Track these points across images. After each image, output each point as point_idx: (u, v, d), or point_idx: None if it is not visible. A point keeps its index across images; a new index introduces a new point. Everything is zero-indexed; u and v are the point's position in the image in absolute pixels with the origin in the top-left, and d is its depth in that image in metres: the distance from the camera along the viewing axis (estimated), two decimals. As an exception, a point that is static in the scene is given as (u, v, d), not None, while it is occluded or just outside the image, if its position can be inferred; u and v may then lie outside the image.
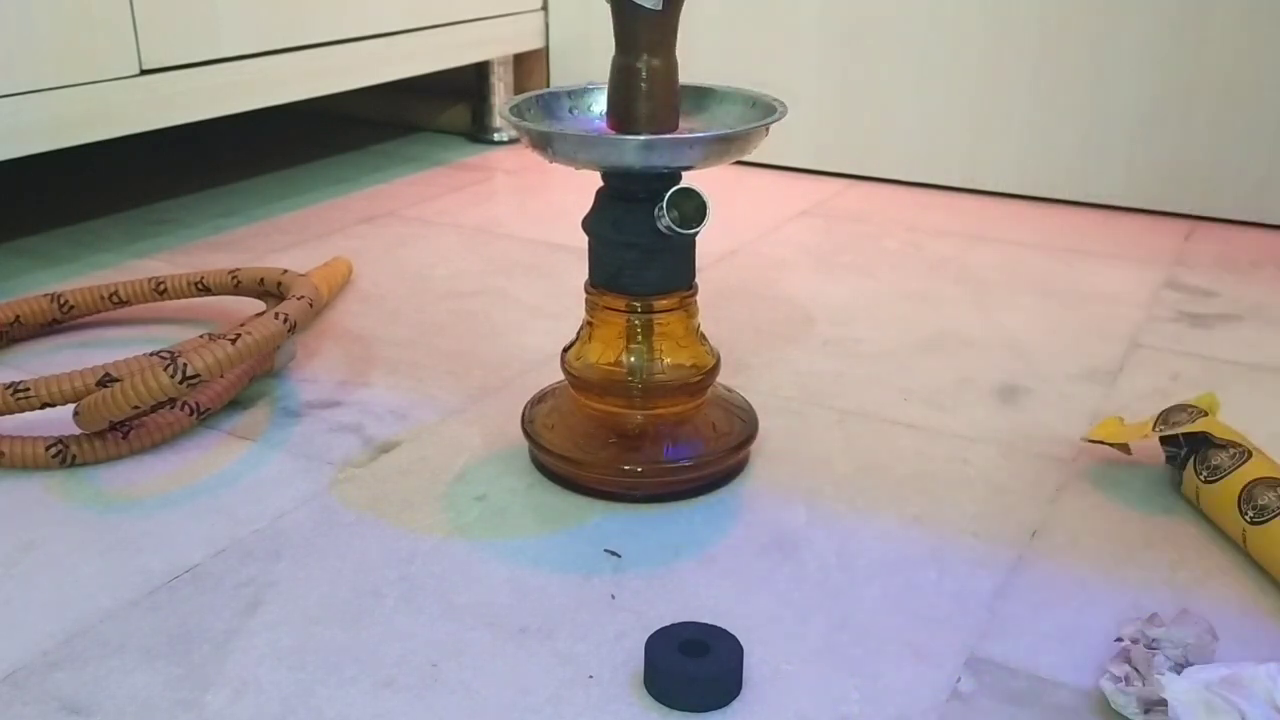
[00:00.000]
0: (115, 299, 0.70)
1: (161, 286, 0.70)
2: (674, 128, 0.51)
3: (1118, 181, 1.00)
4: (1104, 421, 0.57)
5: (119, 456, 0.56)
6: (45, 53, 0.74)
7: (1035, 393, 0.64)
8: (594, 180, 0.51)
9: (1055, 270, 0.85)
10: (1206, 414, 0.52)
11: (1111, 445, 0.55)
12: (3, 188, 1.00)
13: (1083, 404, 0.63)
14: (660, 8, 0.48)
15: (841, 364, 0.68)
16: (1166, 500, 0.53)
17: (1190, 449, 0.52)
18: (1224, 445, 0.50)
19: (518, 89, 1.26)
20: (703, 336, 0.55)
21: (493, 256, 0.87)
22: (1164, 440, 0.53)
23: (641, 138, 0.48)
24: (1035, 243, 0.92)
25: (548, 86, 1.25)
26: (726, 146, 0.49)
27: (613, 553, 0.48)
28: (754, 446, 0.56)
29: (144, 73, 0.81)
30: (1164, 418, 0.53)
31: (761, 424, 0.57)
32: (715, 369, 0.55)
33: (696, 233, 0.50)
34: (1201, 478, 0.50)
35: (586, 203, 0.52)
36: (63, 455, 0.54)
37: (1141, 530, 0.50)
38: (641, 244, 0.51)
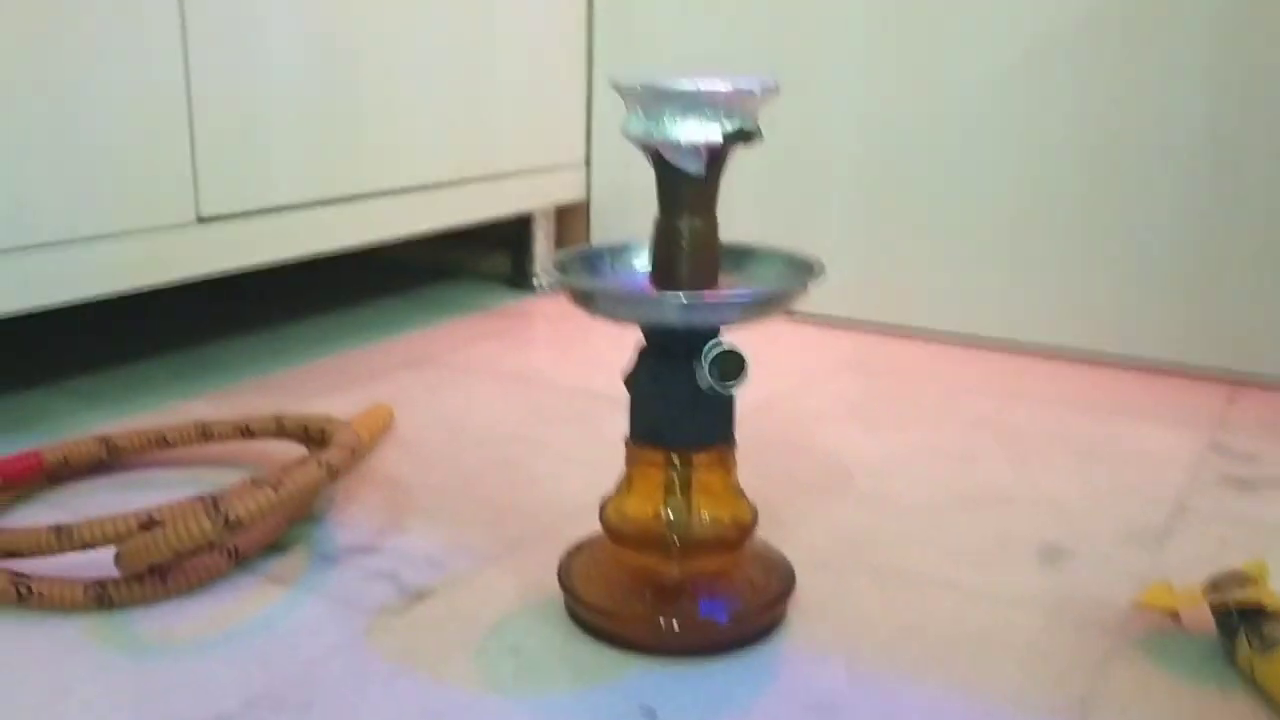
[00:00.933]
0: (162, 442, 0.71)
1: (207, 430, 0.71)
2: (714, 286, 0.52)
3: (1157, 340, 1.00)
4: (1152, 587, 0.56)
5: (157, 600, 0.56)
6: (107, 200, 0.78)
7: (1079, 555, 0.63)
8: (632, 329, 0.52)
9: (1095, 429, 0.85)
10: (1256, 581, 0.51)
11: (1161, 611, 0.54)
12: (57, 329, 1.03)
13: (1128, 568, 0.62)
14: (702, 173, 0.50)
15: (879, 520, 0.67)
16: (1219, 671, 0.51)
17: (1242, 618, 0.51)
18: (1277, 615, 0.49)
19: (559, 238, 1.30)
20: (741, 491, 0.55)
21: (531, 404, 0.88)
22: (1215, 608, 0.52)
23: (682, 297, 0.50)
24: (1074, 401, 0.91)
25: (588, 236, 1.29)
26: (766, 306, 0.50)
27: (649, 710, 0.47)
28: (791, 602, 0.55)
29: (200, 220, 0.85)
30: (1214, 585, 0.52)
31: (798, 580, 0.56)
32: (753, 524, 0.54)
33: (736, 389, 0.50)
34: (1255, 649, 0.49)
35: (625, 352, 0.53)
36: (101, 598, 0.54)
37: (1194, 704, 0.49)
38: (681, 399, 0.51)
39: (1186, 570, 0.61)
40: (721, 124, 0.48)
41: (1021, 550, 0.64)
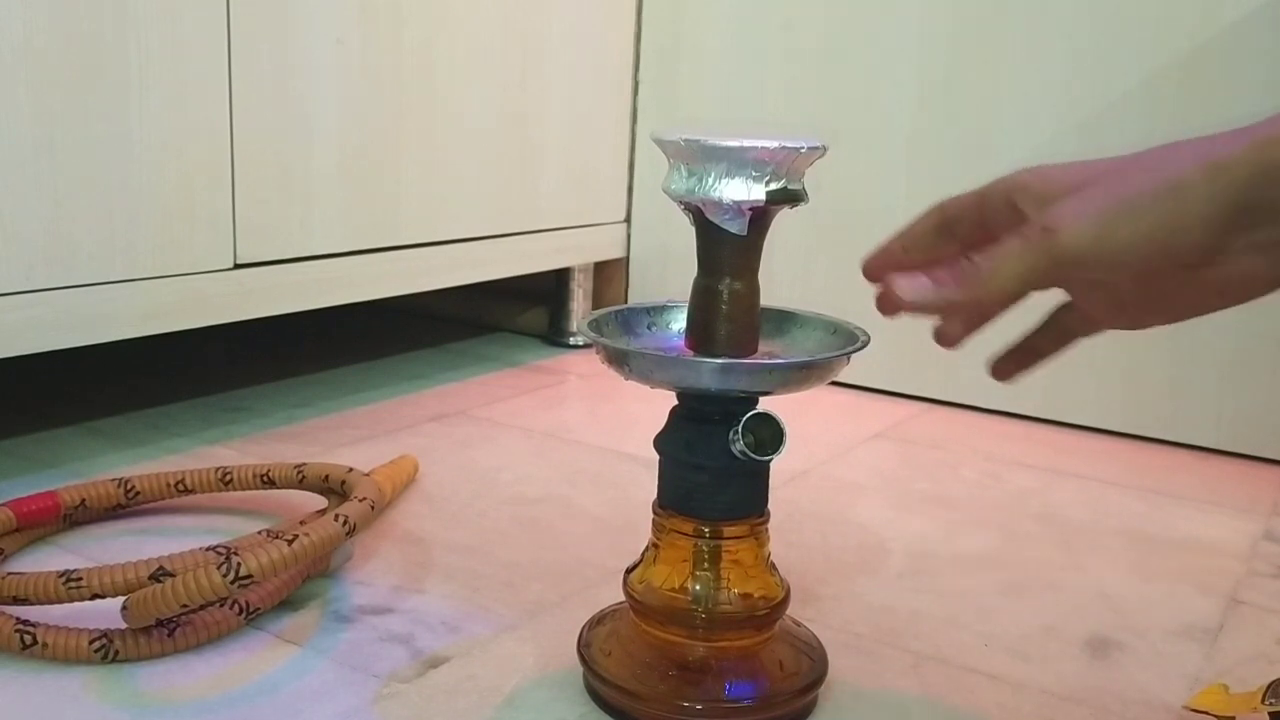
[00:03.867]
0: (181, 487, 0.69)
1: (228, 477, 0.70)
2: (753, 351, 0.50)
3: (1208, 423, 0.97)
4: (1207, 689, 0.52)
5: (163, 654, 0.54)
6: (144, 244, 0.77)
7: (1128, 648, 0.60)
8: (667, 391, 0.50)
9: (1144, 513, 0.81)
10: (1322, 688, 0.48)
11: (1215, 717, 0.51)
12: (86, 369, 1.02)
13: (1181, 664, 0.58)
14: (744, 233, 0.48)
15: (917, 601, 0.64)
16: (1280, 784, 0.48)
17: (1306, 727, 0.47)
18: (1345, 727, 0.46)
19: (597, 295, 1.29)
20: (773, 566, 0.52)
21: (560, 463, 0.86)
22: (1275, 717, 0.49)
23: (719, 361, 0.48)
24: (1121, 481, 0.88)
25: (627, 294, 1.27)
26: (806, 374, 0.48)
27: (666, 801, 0.45)
28: (824, 686, 0.53)
29: (237, 266, 0.84)
30: (1274, 689, 0.49)
31: (831, 662, 0.53)
32: (785, 602, 0.52)
33: (772, 459, 0.48)
34: (1321, 762, 0.45)
35: (658, 413, 0.51)
36: (105, 650, 0.52)
37: (1254, 818, 0.45)
38: (714, 467, 0.49)
39: (1241, 669, 0.58)
40: (766, 183, 0.47)
41: (1068, 641, 0.60)
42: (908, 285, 0.43)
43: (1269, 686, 0.50)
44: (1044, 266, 0.41)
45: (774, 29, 1.13)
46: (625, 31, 1.21)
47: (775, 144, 0.46)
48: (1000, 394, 1.05)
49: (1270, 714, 0.49)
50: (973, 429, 1.01)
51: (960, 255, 0.44)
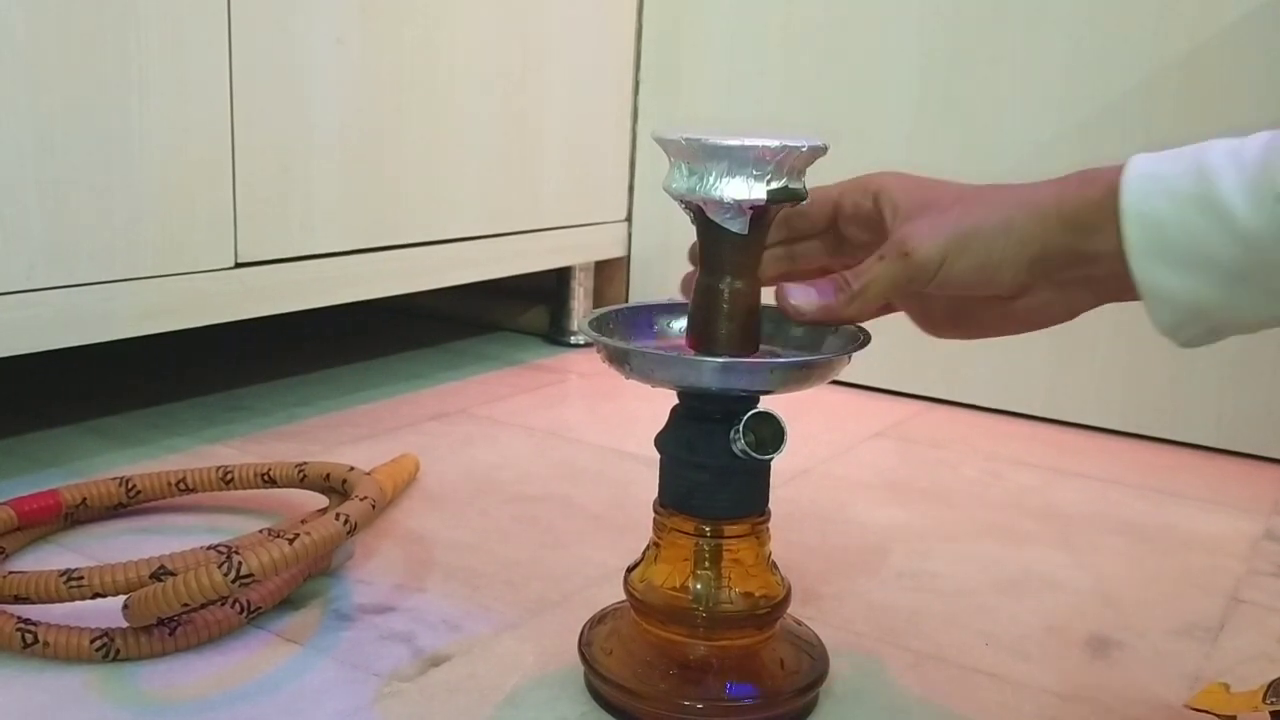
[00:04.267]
0: (182, 486, 0.69)
1: (229, 476, 0.70)
2: (754, 350, 0.50)
3: (1208, 422, 0.96)
4: (1208, 688, 0.52)
5: (164, 653, 0.54)
6: (144, 243, 0.77)
7: (1129, 647, 0.60)
8: (668, 390, 0.50)
9: (1145, 511, 0.81)
10: (1323, 687, 0.48)
11: (1216, 716, 0.51)
12: (87, 368, 1.02)
13: (1181, 664, 0.58)
14: (746, 232, 0.48)
15: (918, 600, 0.64)
16: (1281, 783, 0.48)
17: (1307, 726, 0.47)
18: (1346, 726, 0.46)
19: (598, 294, 1.29)
20: (774, 565, 0.52)
21: (561, 461, 0.86)
22: (1276, 716, 0.49)
23: (720, 360, 0.48)
24: (1122, 480, 0.88)
25: (628, 293, 1.27)
26: (807, 373, 0.48)
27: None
28: (825, 685, 0.53)
29: (238, 265, 0.84)
30: (1275, 688, 0.49)
31: (832, 661, 0.53)
32: (785, 601, 0.52)
33: (773, 458, 0.48)
34: (1322, 761, 0.45)
35: (659, 411, 0.51)
36: (107, 649, 0.52)
37: (1255, 817, 0.45)
38: (715, 466, 0.49)
39: (1242, 668, 0.58)
40: (767, 182, 0.46)
41: (1069, 639, 0.60)
42: (800, 296, 0.48)
43: (1270, 685, 0.49)
44: (902, 281, 0.47)
45: (774, 28, 1.13)
46: (626, 31, 1.21)
47: (776, 143, 0.46)
48: (1001, 393, 1.05)
49: (1271, 713, 0.49)
50: (973, 428, 1.01)
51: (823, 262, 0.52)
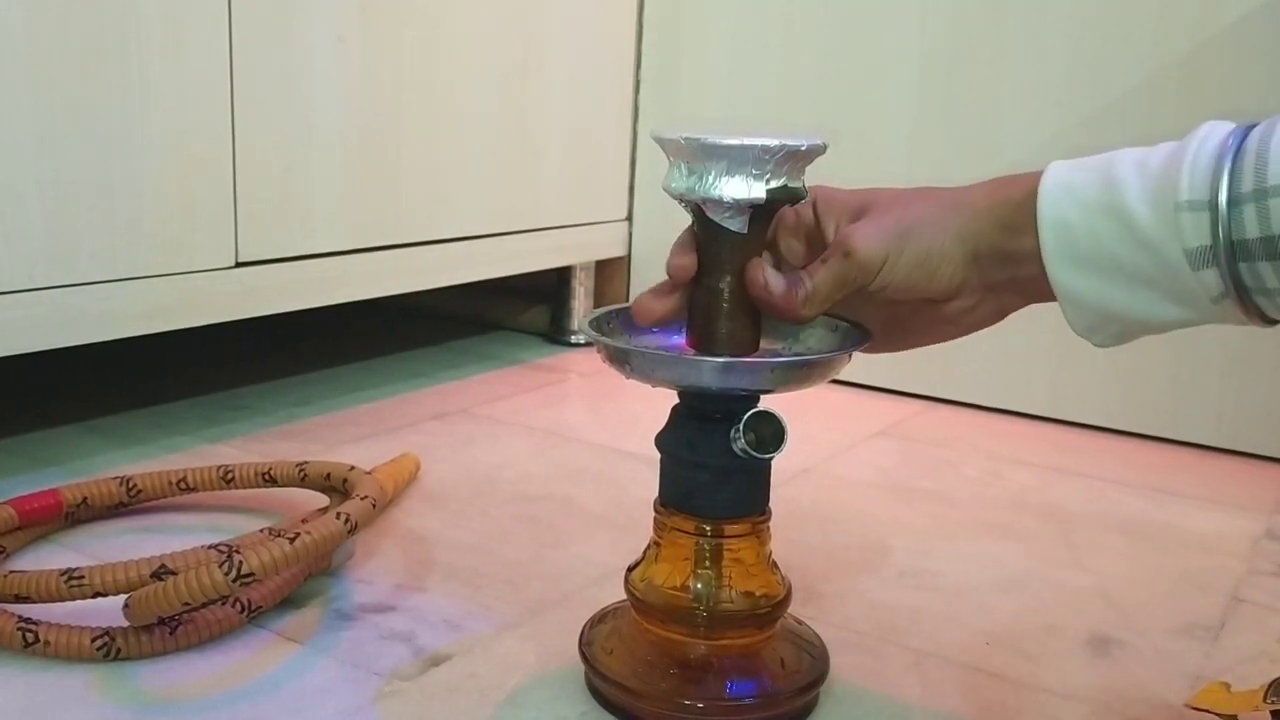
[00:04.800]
0: (183, 485, 0.70)
1: (229, 475, 0.70)
2: (754, 350, 0.50)
3: (1209, 422, 0.96)
4: (1208, 687, 0.52)
5: (165, 652, 0.54)
6: (145, 243, 0.77)
7: (1130, 646, 0.60)
8: (668, 390, 0.50)
9: (1146, 511, 0.81)
10: (1323, 686, 0.48)
11: (1217, 715, 0.51)
12: (87, 367, 1.02)
13: (1182, 663, 0.58)
14: (745, 231, 0.48)
15: (919, 599, 0.64)
16: (1281, 782, 0.48)
17: (1307, 725, 0.47)
18: (1346, 725, 0.46)
19: (598, 293, 1.29)
20: (774, 564, 0.52)
21: (561, 461, 0.86)
22: (1276, 715, 0.49)
23: (720, 360, 0.48)
24: (1122, 479, 0.88)
25: (628, 292, 1.27)
26: (807, 372, 0.48)
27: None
28: (826, 684, 0.53)
29: (239, 265, 0.84)
30: (1275, 687, 0.49)
31: (833, 660, 0.53)
32: (786, 600, 0.52)
33: (773, 457, 0.48)
34: (1322, 760, 0.45)
35: (659, 410, 0.51)
36: (108, 649, 0.52)
37: (1255, 816, 0.45)
38: (715, 465, 0.49)
39: (1243, 667, 0.58)
40: (766, 181, 0.46)
41: (1069, 639, 0.60)
42: (774, 277, 0.48)
43: (1270, 685, 0.49)
44: (847, 281, 0.47)
45: (775, 28, 1.13)
46: (626, 30, 1.21)
47: (775, 142, 0.46)
48: (1001, 392, 1.05)
49: (1272, 712, 0.49)
50: (974, 427, 1.01)
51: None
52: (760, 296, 0.48)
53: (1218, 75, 0.92)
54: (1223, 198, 0.40)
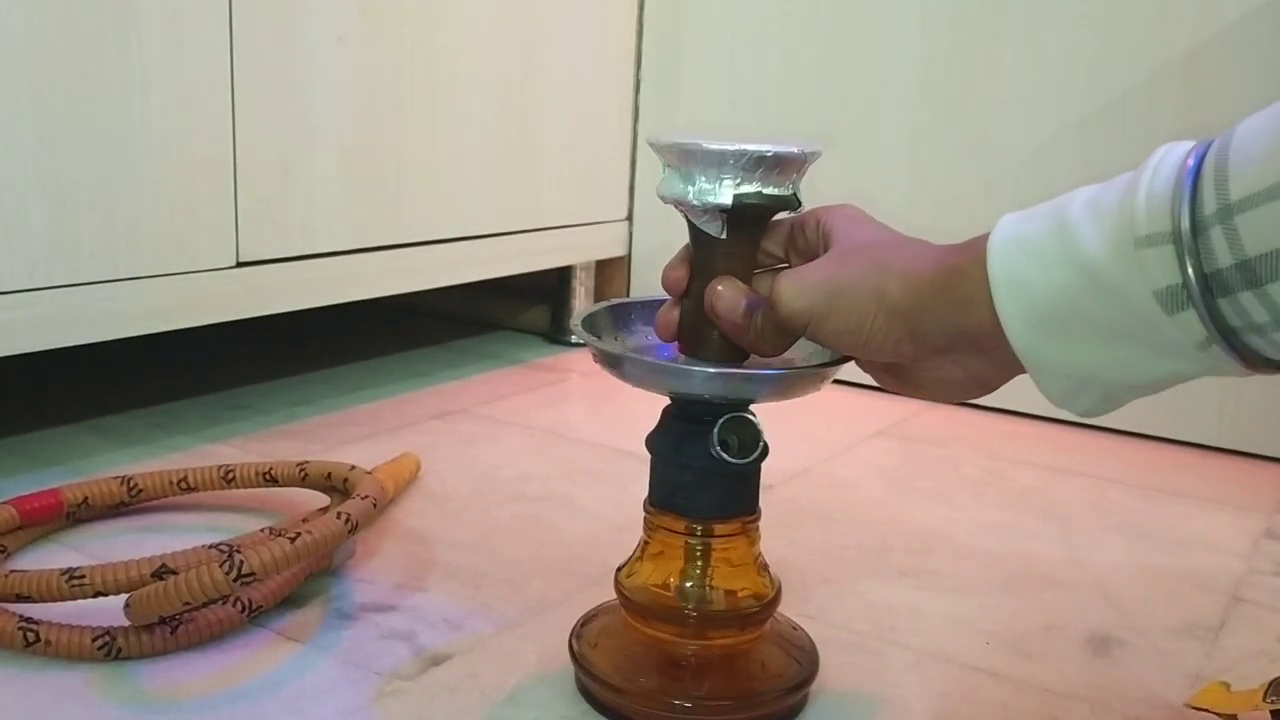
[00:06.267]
0: (184, 485, 0.70)
1: (230, 475, 0.70)
2: (744, 358, 0.49)
3: (1209, 422, 0.97)
4: (1208, 686, 0.52)
5: (165, 652, 0.54)
6: (146, 242, 0.77)
7: (1130, 645, 0.60)
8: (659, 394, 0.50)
9: (1146, 510, 0.81)
10: (1322, 686, 0.48)
11: (1217, 714, 0.51)
12: (87, 367, 1.02)
13: (1182, 662, 0.58)
14: (723, 235, 0.47)
15: (918, 598, 0.64)
16: (1280, 781, 0.48)
17: (1306, 725, 0.47)
18: (1345, 724, 0.46)
19: (599, 293, 1.29)
20: (764, 565, 0.52)
21: (562, 460, 0.86)
22: (1276, 715, 0.49)
23: (711, 370, 0.47)
24: (1123, 479, 0.88)
25: (628, 292, 1.27)
26: (799, 381, 0.47)
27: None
28: (824, 684, 0.53)
29: (240, 265, 0.84)
30: (1275, 687, 0.49)
31: (831, 660, 0.53)
32: (774, 601, 0.52)
33: (748, 463, 0.48)
34: (1321, 760, 0.45)
35: (659, 411, 0.51)
36: (109, 648, 0.53)
37: (1254, 815, 0.46)
38: (702, 467, 0.49)
39: (1243, 667, 0.58)
40: (737, 185, 0.46)
41: (1069, 638, 0.60)
42: (728, 297, 0.47)
43: (1270, 684, 0.50)
44: (782, 330, 0.45)
45: (775, 28, 1.13)
46: (627, 30, 1.21)
47: (764, 148, 0.45)
48: (1001, 392, 1.05)
49: (1271, 712, 0.49)
50: (974, 427, 1.01)
51: None
52: (710, 314, 0.46)
53: (1218, 75, 0.92)
54: (1185, 225, 0.34)
